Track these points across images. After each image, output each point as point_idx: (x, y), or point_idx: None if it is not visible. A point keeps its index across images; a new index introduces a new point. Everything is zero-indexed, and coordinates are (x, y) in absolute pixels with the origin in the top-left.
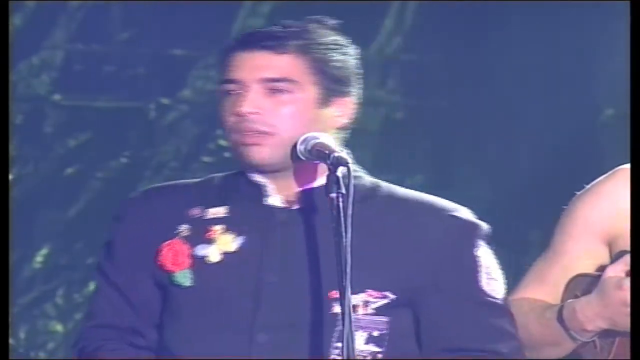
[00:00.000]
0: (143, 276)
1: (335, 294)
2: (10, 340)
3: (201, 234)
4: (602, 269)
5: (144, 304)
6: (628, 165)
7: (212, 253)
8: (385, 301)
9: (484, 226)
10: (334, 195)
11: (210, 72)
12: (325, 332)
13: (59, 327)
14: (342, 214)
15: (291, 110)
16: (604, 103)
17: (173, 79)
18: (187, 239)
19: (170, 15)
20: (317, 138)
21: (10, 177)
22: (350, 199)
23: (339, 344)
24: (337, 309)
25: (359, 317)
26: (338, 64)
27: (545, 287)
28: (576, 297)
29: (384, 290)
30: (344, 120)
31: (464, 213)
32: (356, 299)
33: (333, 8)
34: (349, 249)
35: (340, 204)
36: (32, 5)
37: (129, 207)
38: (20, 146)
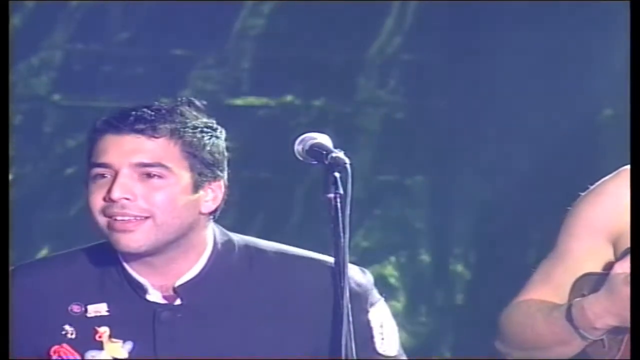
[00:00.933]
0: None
1: None
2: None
3: (88, 337)
4: (607, 267)
5: None
6: None
7: None
8: None
9: (370, 279)
10: (331, 195)
11: (210, 72)
12: None
13: None
14: (340, 214)
15: (164, 196)
16: (602, 103)
17: (173, 79)
18: (76, 343)
19: (170, 15)
20: (315, 138)
21: (10, 177)
22: (349, 199)
23: None
24: None
25: None
26: (210, 148)
27: (551, 287)
28: (583, 296)
29: None
30: (215, 205)
31: (351, 274)
32: None
33: (333, 8)
34: (347, 249)
35: (339, 204)
36: (32, 5)
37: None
38: (20, 146)
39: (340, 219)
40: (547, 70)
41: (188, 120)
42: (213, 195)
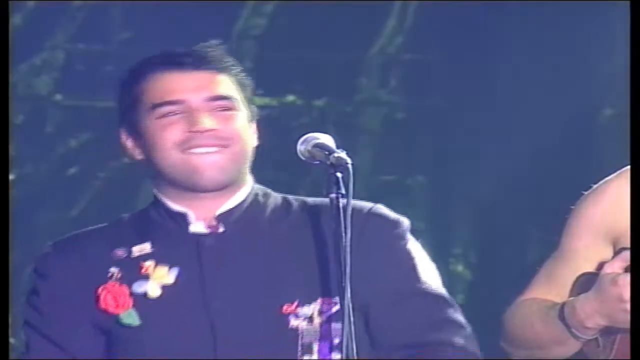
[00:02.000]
0: (81, 325)
1: (288, 307)
2: (11, 340)
3: (134, 271)
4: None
5: (85, 353)
6: None
7: (152, 288)
8: (337, 307)
9: (407, 221)
10: (333, 195)
11: None
12: (288, 349)
13: None
14: (342, 214)
15: (238, 125)
16: (602, 103)
17: None
18: (122, 280)
19: (171, 15)
20: (318, 138)
21: (11, 177)
22: (350, 199)
23: (306, 357)
24: (294, 322)
25: (319, 326)
26: (250, 88)
27: (553, 287)
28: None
29: (334, 297)
30: (257, 142)
31: (384, 210)
32: (310, 308)
33: (335, 8)
34: (348, 249)
35: (340, 204)
36: (32, 5)
37: (49, 263)
38: (21, 146)
39: (342, 218)
40: (547, 69)
41: (232, 61)
42: (255, 132)
